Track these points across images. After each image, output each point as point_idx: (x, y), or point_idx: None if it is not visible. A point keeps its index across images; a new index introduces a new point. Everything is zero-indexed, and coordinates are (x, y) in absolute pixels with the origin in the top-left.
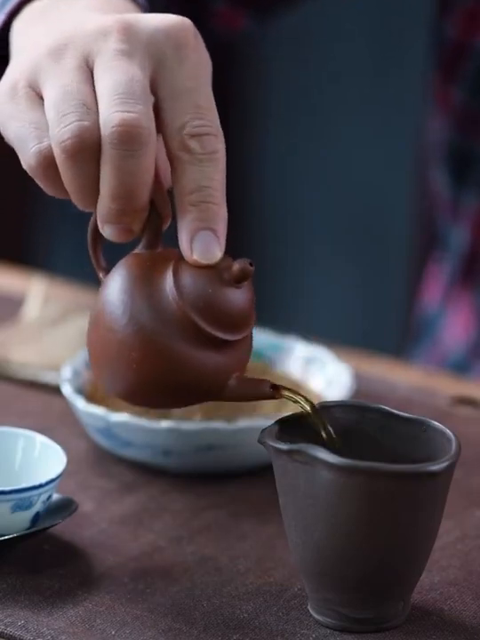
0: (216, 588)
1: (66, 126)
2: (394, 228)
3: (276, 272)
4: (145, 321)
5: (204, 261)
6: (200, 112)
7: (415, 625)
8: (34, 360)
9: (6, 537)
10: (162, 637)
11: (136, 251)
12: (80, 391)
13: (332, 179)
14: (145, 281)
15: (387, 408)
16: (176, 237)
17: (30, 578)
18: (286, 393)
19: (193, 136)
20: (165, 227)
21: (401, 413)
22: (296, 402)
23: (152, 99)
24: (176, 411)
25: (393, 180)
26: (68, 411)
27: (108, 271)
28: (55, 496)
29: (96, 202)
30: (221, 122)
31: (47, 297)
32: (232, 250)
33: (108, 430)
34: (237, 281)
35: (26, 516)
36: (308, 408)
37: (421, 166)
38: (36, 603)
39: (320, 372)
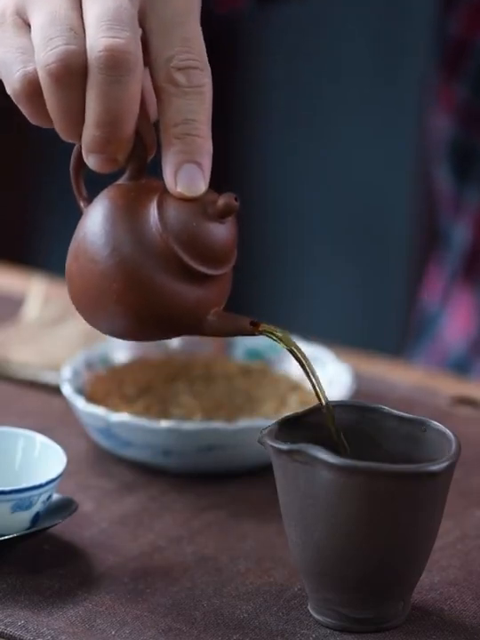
0: (216, 587)
1: (52, 50)
2: (394, 227)
3: (276, 272)
4: (127, 252)
5: (188, 194)
6: (188, 45)
7: (415, 625)
8: (34, 360)
9: (6, 537)
10: (162, 637)
11: (119, 181)
12: (80, 391)
13: (332, 178)
14: (128, 212)
15: (387, 408)
16: (160, 170)
17: (30, 578)
18: (265, 328)
19: (180, 69)
20: (150, 157)
21: (401, 413)
22: (275, 339)
23: (140, 30)
24: (176, 411)
25: (393, 180)
26: (68, 411)
27: (89, 201)
28: (55, 496)
29: (80, 131)
30: (222, 120)
31: (47, 297)
32: None
33: (108, 430)
34: (222, 216)
35: (26, 516)
36: (284, 344)
37: (423, 165)
38: (35, 603)
39: (320, 372)
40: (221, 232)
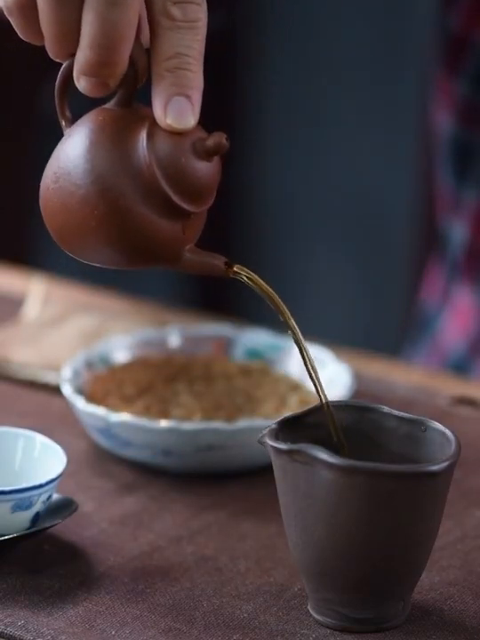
0: (216, 587)
1: None
2: (395, 227)
3: (275, 272)
4: (112, 180)
5: (177, 126)
6: None
7: (415, 625)
8: (34, 360)
9: (6, 537)
10: (162, 637)
11: (107, 106)
12: (80, 391)
13: (332, 179)
14: (116, 139)
15: (387, 408)
16: (147, 100)
17: (30, 578)
18: (238, 269)
19: (175, 3)
20: (140, 84)
21: (401, 413)
22: (247, 281)
23: None
24: (175, 411)
25: (394, 180)
26: (68, 411)
27: (72, 122)
28: (55, 496)
29: (70, 50)
30: (222, 119)
31: (47, 297)
32: (232, 249)
33: (108, 430)
34: (211, 154)
35: (26, 516)
36: (257, 288)
37: (424, 164)
38: (35, 603)
39: (320, 372)
40: (207, 170)
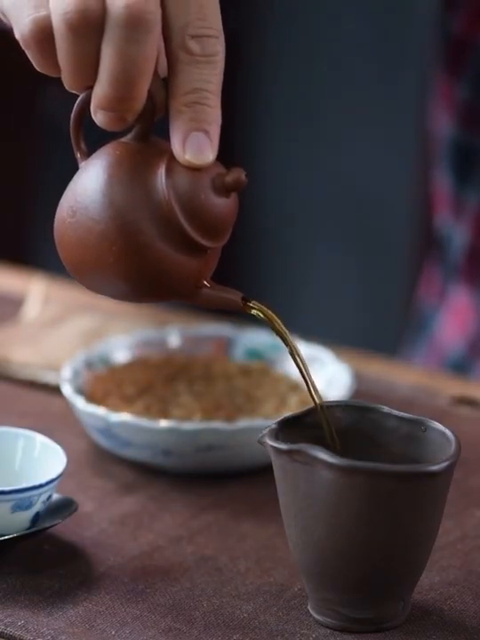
0: (216, 587)
1: (69, 7)
2: (394, 227)
3: (275, 272)
4: (131, 216)
5: (196, 162)
6: (203, 13)
7: (415, 625)
8: (34, 360)
9: (6, 537)
10: (162, 637)
11: (124, 139)
12: (80, 391)
13: (331, 179)
14: (135, 174)
15: (387, 408)
16: (164, 133)
17: (30, 578)
18: (255, 305)
19: (194, 37)
20: (158, 118)
21: (401, 413)
22: (262, 318)
23: None
24: (175, 411)
25: (393, 181)
26: (68, 411)
27: (88, 156)
28: (55, 496)
29: (87, 83)
30: (223, 119)
31: (47, 297)
32: (232, 250)
33: (108, 430)
34: (229, 190)
35: (26, 516)
36: (271, 325)
37: (423, 166)
38: (35, 603)
39: (320, 372)
40: (225, 206)
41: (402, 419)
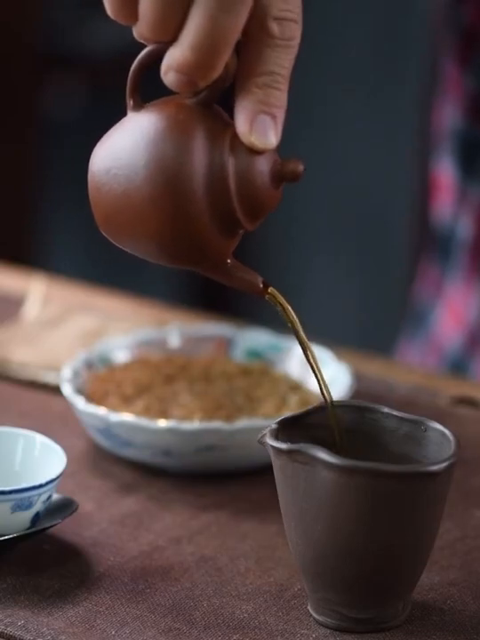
0: (216, 587)
1: None
2: (394, 227)
3: (275, 272)
4: (185, 185)
5: (260, 145)
6: None
7: (415, 625)
8: (34, 360)
9: (6, 537)
10: (162, 637)
11: (186, 100)
12: (80, 391)
13: (331, 178)
14: (195, 142)
15: (387, 408)
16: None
17: (30, 578)
18: (273, 292)
19: (276, 19)
20: (225, 87)
21: (401, 413)
22: (279, 307)
23: None
24: (175, 411)
25: (393, 182)
26: (68, 411)
27: (140, 107)
28: (55, 496)
29: (163, 39)
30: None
31: (47, 297)
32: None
33: (108, 430)
34: (285, 179)
35: (26, 516)
36: (285, 317)
37: (423, 165)
38: (35, 603)
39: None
40: (274, 195)
41: (402, 419)
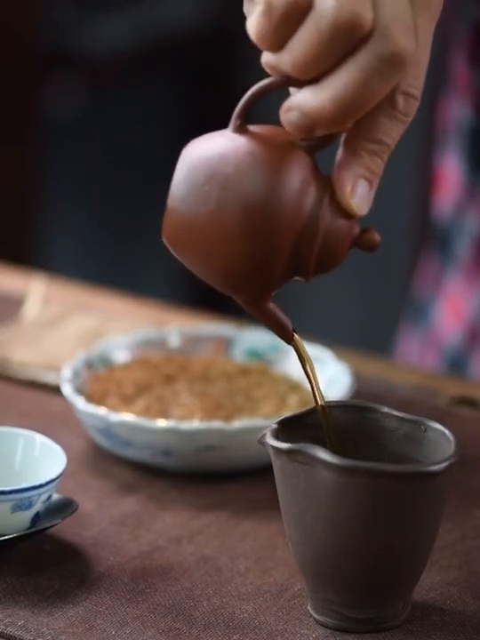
0: (216, 587)
1: (348, 7)
2: (394, 227)
3: None
4: (275, 220)
5: (356, 210)
6: (419, 73)
7: (415, 625)
8: (34, 360)
9: (6, 537)
10: (162, 637)
11: (294, 139)
12: (80, 391)
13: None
14: (296, 185)
15: (387, 408)
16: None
17: (30, 578)
18: (297, 341)
19: (403, 93)
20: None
21: (401, 413)
22: (298, 353)
23: None
24: (175, 411)
25: (393, 182)
26: (68, 411)
27: (245, 130)
28: (55, 496)
29: (302, 77)
30: (223, 119)
31: (47, 297)
32: None
33: (108, 430)
34: (362, 247)
35: (26, 516)
36: (303, 364)
37: (425, 157)
38: (35, 603)
39: (320, 372)
40: (344, 258)
41: (402, 419)
